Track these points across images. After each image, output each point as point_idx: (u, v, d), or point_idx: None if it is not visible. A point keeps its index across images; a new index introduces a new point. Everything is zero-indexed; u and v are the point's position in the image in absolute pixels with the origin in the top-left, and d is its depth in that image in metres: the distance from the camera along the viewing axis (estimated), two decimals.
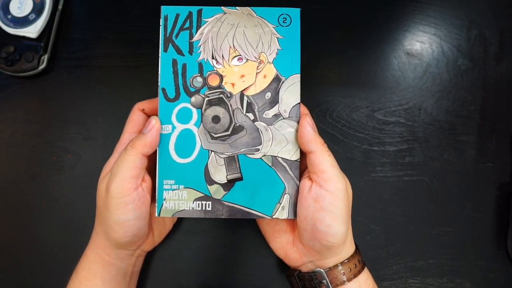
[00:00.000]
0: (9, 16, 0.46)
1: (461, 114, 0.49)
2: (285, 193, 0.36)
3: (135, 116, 0.38)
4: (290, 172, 0.37)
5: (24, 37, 0.46)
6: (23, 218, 0.46)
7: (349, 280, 0.35)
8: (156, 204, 0.36)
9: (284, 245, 0.39)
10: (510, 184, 0.47)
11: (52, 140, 0.47)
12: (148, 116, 0.39)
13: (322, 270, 0.35)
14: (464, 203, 0.47)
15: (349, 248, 0.36)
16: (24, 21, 0.46)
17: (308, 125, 0.35)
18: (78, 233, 0.39)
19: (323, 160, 0.34)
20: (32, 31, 0.46)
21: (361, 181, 0.47)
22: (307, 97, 0.47)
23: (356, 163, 0.47)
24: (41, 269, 0.45)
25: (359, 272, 0.35)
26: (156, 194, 0.36)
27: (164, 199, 0.36)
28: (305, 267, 0.37)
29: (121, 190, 0.33)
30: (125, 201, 0.33)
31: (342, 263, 0.35)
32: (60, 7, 0.48)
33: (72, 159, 0.47)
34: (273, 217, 0.36)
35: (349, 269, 0.35)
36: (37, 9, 0.46)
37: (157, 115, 0.36)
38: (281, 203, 0.36)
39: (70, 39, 0.49)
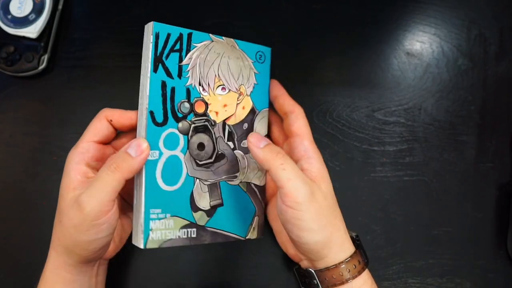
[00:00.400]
0: (9, 16, 0.46)
1: (461, 114, 0.49)
2: (255, 215, 0.39)
3: (99, 124, 0.35)
4: (259, 196, 0.39)
5: (24, 37, 0.46)
6: (23, 218, 0.46)
7: (340, 284, 0.34)
8: (142, 235, 0.33)
9: (284, 241, 0.40)
10: (510, 184, 0.47)
11: (52, 140, 0.47)
12: (114, 128, 0.36)
13: (312, 270, 0.35)
14: (464, 203, 0.47)
15: (339, 252, 0.35)
16: (24, 21, 0.46)
17: (255, 148, 0.34)
18: None
19: (278, 176, 0.33)
20: (32, 31, 0.46)
21: (361, 181, 0.47)
22: (307, 97, 0.48)
23: (356, 163, 0.47)
24: (41, 269, 0.45)
25: (354, 277, 0.34)
26: (140, 224, 0.34)
27: (151, 229, 0.34)
28: (303, 264, 0.38)
29: (98, 213, 0.31)
30: (100, 222, 0.31)
31: (334, 266, 0.34)
32: (60, 7, 0.48)
33: None
34: (246, 238, 0.38)
35: (340, 273, 0.34)
36: (37, 9, 0.46)
37: (125, 130, 0.36)
38: (252, 225, 0.39)
39: (70, 39, 0.49)
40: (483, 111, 0.49)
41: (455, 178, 0.47)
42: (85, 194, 0.31)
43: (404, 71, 0.49)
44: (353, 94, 0.49)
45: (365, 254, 0.37)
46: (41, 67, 0.46)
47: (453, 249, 0.46)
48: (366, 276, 0.36)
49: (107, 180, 0.31)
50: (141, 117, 0.35)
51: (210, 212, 0.37)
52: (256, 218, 0.39)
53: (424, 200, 0.47)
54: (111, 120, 0.35)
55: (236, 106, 0.38)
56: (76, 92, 0.48)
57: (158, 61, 0.35)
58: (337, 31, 0.50)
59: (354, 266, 0.35)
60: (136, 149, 0.32)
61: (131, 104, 0.43)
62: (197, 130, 0.36)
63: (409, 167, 0.47)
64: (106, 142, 0.37)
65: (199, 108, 0.36)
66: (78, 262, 0.34)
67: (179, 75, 0.36)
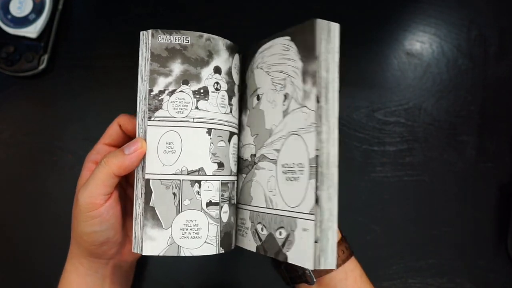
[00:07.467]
0: (9, 16, 0.46)
1: (461, 114, 0.49)
2: None
3: (111, 129, 0.37)
4: None
5: (24, 37, 0.46)
6: (22, 218, 0.46)
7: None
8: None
9: None
10: (510, 184, 0.47)
11: (52, 140, 0.47)
12: (124, 133, 0.37)
13: None
14: (464, 203, 0.47)
15: None
16: (24, 21, 0.46)
17: None
18: None
19: None
20: (32, 31, 0.46)
21: (361, 181, 0.47)
22: None
23: (356, 163, 0.47)
24: (40, 270, 0.45)
25: (344, 261, 0.36)
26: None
27: None
28: None
29: (88, 205, 0.32)
30: (92, 215, 0.32)
31: None
32: (60, 7, 0.48)
33: (72, 159, 0.47)
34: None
35: None
36: (37, 9, 0.46)
37: (134, 136, 0.35)
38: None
39: (70, 39, 0.49)
40: (483, 111, 0.49)
41: (455, 178, 0.47)
42: (82, 188, 0.33)
43: (404, 71, 0.49)
44: (353, 94, 0.49)
45: (348, 242, 0.38)
46: (41, 67, 0.46)
47: (453, 249, 0.46)
48: (355, 261, 0.37)
49: (97, 174, 0.32)
50: None
51: None
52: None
53: (424, 200, 0.47)
54: (120, 126, 0.36)
55: None
56: (76, 92, 0.48)
57: None
58: None
59: (342, 252, 0.36)
60: (130, 146, 0.32)
61: (131, 103, 0.43)
62: None
63: (409, 167, 0.47)
64: (118, 145, 0.37)
65: None
66: (87, 255, 0.35)
67: None
